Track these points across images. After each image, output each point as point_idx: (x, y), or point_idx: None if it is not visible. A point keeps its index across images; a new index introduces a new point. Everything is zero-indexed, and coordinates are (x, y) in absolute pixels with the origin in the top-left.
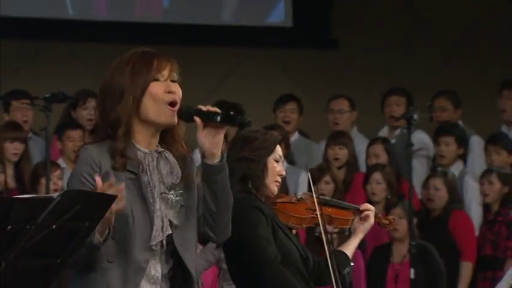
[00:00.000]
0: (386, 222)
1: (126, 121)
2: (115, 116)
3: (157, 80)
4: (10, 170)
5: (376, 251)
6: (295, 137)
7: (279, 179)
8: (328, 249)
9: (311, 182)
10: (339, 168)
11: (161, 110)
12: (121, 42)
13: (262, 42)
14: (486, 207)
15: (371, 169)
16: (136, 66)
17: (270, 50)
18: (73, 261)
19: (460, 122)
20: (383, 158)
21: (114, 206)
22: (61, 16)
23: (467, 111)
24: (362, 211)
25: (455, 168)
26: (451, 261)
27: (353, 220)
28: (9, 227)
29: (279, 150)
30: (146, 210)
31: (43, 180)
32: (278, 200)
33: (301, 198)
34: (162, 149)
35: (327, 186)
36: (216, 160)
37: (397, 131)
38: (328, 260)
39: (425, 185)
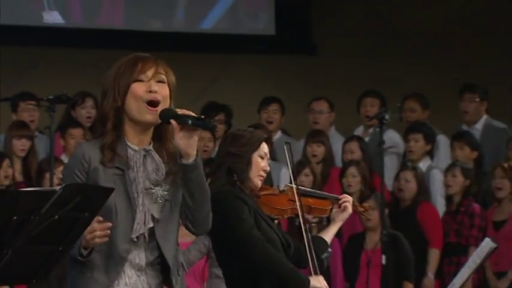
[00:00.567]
0: (362, 209)
1: (112, 116)
2: (102, 113)
3: (140, 80)
4: (18, 165)
5: (351, 239)
6: (278, 135)
7: (263, 174)
8: (307, 237)
9: (291, 176)
10: (317, 163)
11: (141, 108)
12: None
13: (247, 49)
14: (449, 199)
15: (347, 164)
16: (122, 68)
17: (254, 55)
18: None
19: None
20: (357, 154)
21: (98, 240)
22: (63, 25)
23: (433, 111)
24: (340, 201)
25: (423, 163)
26: (420, 248)
27: (331, 209)
28: (15, 217)
29: (264, 147)
30: (129, 205)
31: (47, 175)
32: (262, 193)
33: (283, 190)
34: (150, 148)
35: (306, 178)
36: (190, 160)
37: (371, 130)
38: (307, 247)
39: (397, 177)
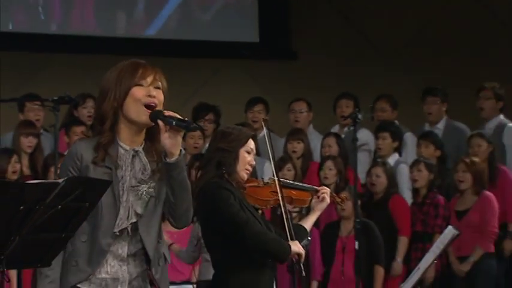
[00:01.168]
0: (339, 200)
1: (111, 117)
2: (101, 112)
3: (140, 85)
4: (25, 161)
5: (327, 227)
6: (262, 132)
7: (249, 168)
8: (288, 226)
9: (274, 170)
10: (297, 158)
11: (140, 110)
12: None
13: (234, 55)
14: (416, 191)
15: (324, 158)
16: (123, 72)
17: (241, 61)
18: None
19: (396, 121)
20: (334, 149)
21: None
22: (66, 32)
23: (402, 111)
24: (319, 192)
25: (392, 159)
26: (390, 236)
27: (311, 200)
28: (22, 207)
29: (250, 143)
30: (114, 201)
31: (52, 169)
32: (247, 185)
33: (267, 182)
34: (139, 149)
35: (288, 172)
36: (173, 159)
37: (346, 129)
38: (288, 235)
39: (369, 172)
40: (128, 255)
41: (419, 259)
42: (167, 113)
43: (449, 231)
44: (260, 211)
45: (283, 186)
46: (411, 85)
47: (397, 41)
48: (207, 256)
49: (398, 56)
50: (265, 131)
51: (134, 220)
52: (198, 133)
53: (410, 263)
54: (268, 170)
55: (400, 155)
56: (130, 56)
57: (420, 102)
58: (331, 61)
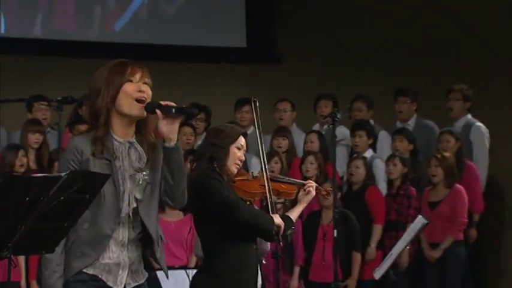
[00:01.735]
0: (325, 193)
1: (105, 112)
2: (95, 108)
3: (130, 81)
4: (32, 156)
5: (310, 216)
6: (250, 130)
7: (239, 163)
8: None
9: (264, 164)
10: (282, 153)
11: (132, 104)
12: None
13: (224, 59)
14: (390, 183)
15: (306, 153)
16: (113, 71)
17: (230, 65)
18: None
19: (371, 120)
20: (316, 144)
21: None
22: (70, 38)
23: (376, 111)
24: (305, 186)
25: (367, 154)
26: (366, 224)
27: (297, 193)
28: (27, 198)
29: (241, 140)
30: (115, 190)
31: (57, 163)
32: (237, 178)
33: (256, 176)
34: (133, 141)
35: (276, 165)
36: (172, 143)
37: (325, 127)
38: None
39: (349, 164)
40: (128, 241)
41: (393, 246)
42: (164, 102)
43: (419, 221)
44: (248, 203)
45: (272, 180)
46: (384, 87)
47: (373, 48)
48: None
49: (373, 61)
50: (254, 112)
51: (135, 205)
52: (190, 130)
53: (384, 250)
54: (255, 165)
55: (374, 151)
56: (129, 59)
57: (392, 102)
58: (312, 65)
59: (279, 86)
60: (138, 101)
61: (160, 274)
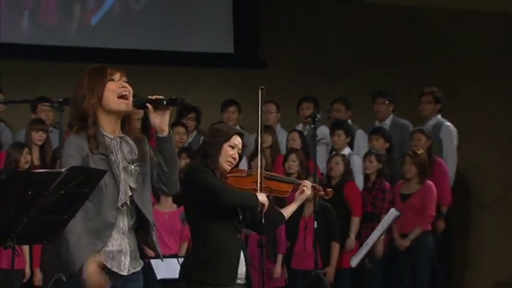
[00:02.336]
0: (323, 193)
1: (92, 114)
2: (82, 111)
3: (112, 80)
4: (36, 153)
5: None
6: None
7: (231, 160)
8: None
9: (259, 163)
10: (266, 148)
11: (118, 101)
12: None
13: (212, 64)
14: (366, 178)
15: (289, 151)
16: (93, 75)
17: (217, 69)
18: None
19: (349, 120)
20: (298, 142)
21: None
22: (70, 44)
23: (354, 112)
24: (301, 185)
25: (345, 151)
26: (345, 216)
27: (291, 191)
28: (30, 192)
29: (235, 139)
30: (114, 181)
31: (59, 160)
32: (230, 175)
33: (250, 173)
34: (123, 135)
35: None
36: (165, 134)
37: (307, 126)
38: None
39: (329, 160)
40: (128, 229)
41: (369, 236)
42: (153, 97)
43: (392, 213)
44: None
45: (268, 178)
46: (362, 89)
47: (351, 53)
48: None
49: (352, 65)
50: (260, 98)
51: (130, 194)
52: (182, 130)
53: (362, 240)
54: (242, 163)
55: (351, 148)
56: (123, 64)
57: (370, 104)
58: (294, 69)
59: (265, 88)
60: (122, 96)
61: (154, 262)
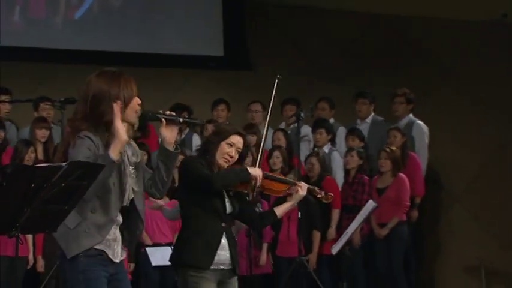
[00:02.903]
0: (321, 196)
1: (108, 115)
2: (100, 111)
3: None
4: (40, 149)
5: (277, 200)
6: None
7: (227, 157)
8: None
9: (258, 162)
10: (252, 146)
11: (134, 116)
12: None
13: (203, 66)
14: (347, 173)
15: (273, 148)
16: (127, 86)
17: (208, 71)
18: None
19: (332, 119)
20: (282, 141)
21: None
22: (71, 47)
23: (337, 111)
24: (296, 186)
25: (326, 148)
26: (326, 208)
27: (285, 191)
28: (33, 185)
29: (233, 138)
30: (121, 181)
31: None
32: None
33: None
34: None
35: (247, 159)
36: (172, 147)
37: (291, 126)
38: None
39: (306, 161)
40: (119, 222)
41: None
42: (167, 112)
43: (370, 204)
44: (231, 192)
45: (265, 177)
46: (345, 90)
47: (335, 56)
48: None
49: (335, 68)
50: (275, 87)
51: (133, 196)
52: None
53: (342, 230)
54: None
55: (332, 144)
56: (118, 66)
57: (350, 103)
58: (280, 72)
59: (251, 89)
60: (137, 112)
61: (149, 250)
